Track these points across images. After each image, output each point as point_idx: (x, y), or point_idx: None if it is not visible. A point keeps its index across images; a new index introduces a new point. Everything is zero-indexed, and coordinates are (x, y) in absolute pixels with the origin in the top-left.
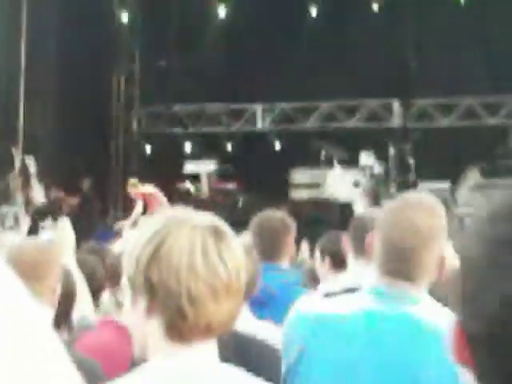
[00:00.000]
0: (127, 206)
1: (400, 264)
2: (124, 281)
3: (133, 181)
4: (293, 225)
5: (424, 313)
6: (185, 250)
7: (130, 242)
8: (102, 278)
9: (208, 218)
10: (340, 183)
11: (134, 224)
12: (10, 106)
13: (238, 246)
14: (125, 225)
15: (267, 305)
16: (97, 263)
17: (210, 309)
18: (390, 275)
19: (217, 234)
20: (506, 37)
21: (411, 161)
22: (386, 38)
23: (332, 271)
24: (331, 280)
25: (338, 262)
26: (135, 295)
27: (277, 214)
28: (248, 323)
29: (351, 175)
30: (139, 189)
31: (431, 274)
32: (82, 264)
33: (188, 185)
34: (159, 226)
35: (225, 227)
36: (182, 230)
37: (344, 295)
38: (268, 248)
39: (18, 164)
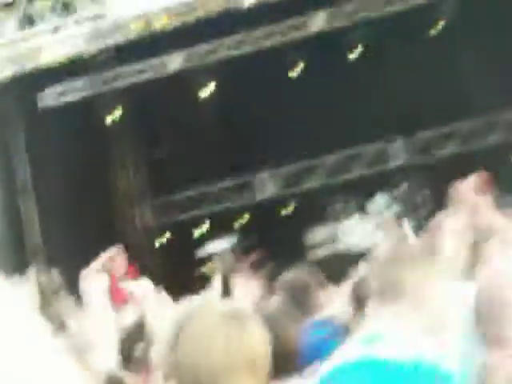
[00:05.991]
0: None
1: None
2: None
3: None
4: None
5: None
6: (205, 335)
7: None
8: None
9: (229, 305)
10: (357, 232)
11: None
12: None
13: (259, 330)
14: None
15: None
16: None
17: None
18: None
19: (237, 319)
20: None
21: (425, 192)
22: (367, 88)
23: None
24: None
25: None
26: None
27: (302, 271)
28: None
29: (366, 221)
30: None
31: None
32: None
33: (203, 269)
34: (183, 314)
35: (245, 312)
36: (203, 316)
37: None
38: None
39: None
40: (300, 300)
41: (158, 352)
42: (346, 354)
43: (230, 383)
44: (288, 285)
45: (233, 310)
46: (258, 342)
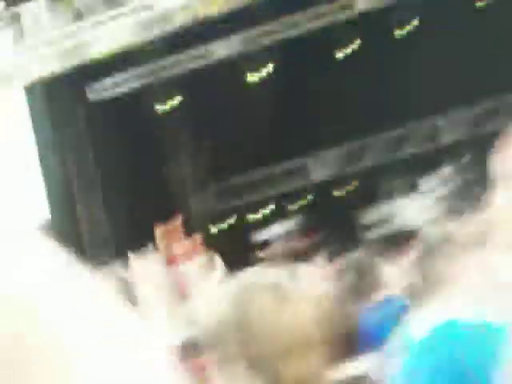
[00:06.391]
0: None
1: None
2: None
3: None
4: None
5: None
6: (243, 309)
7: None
8: None
9: (272, 276)
10: (410, 211)
11: None
12: None
13: (303, 304)
14: None
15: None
16: None
17: (280, 367)
18: None
19: (279, 292)
20: None
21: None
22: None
23: None
24: None
25: None
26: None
27: (364, 251)
28: None
29: (419, 200)
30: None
31: None
32: None
33: (260, 254)
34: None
35: (289, 285)
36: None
37: None
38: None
39: None
40: (364, 280)
41: (209, 333)
42: (409, 331)
43: (280, 362)
44: (353, 265)
45: (277, 284)
46: (306, 318)
